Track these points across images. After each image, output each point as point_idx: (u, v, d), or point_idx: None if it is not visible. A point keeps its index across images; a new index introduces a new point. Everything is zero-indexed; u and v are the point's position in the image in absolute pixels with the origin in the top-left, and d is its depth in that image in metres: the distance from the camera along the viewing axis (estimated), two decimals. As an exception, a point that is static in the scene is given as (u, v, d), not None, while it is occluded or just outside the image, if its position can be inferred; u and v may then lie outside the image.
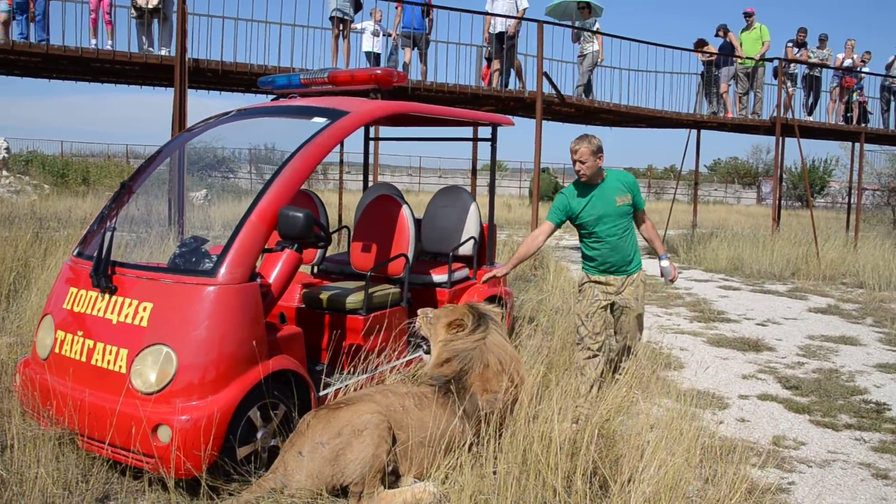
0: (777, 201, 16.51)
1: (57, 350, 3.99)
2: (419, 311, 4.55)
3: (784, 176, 21.73)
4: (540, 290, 9.26)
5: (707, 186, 46.92)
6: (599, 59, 13.63)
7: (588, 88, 13.80)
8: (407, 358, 5.16)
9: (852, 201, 19.89)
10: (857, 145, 17.41)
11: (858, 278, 12.80)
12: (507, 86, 12.97)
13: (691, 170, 20.40)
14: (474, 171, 14.11)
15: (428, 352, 4.53)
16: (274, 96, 5.56)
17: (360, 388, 4.49)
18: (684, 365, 6.90)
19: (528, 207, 27.86)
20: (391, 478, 3.67)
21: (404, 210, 5.36)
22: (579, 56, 13.79)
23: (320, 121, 4.35)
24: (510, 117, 6.23)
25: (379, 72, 4.92)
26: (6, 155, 24.04)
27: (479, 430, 3.84)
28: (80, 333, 3.91)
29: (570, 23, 14.25)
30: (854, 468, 4.64)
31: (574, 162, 5.06)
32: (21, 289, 7.37)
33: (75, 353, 3.89)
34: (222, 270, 3.70)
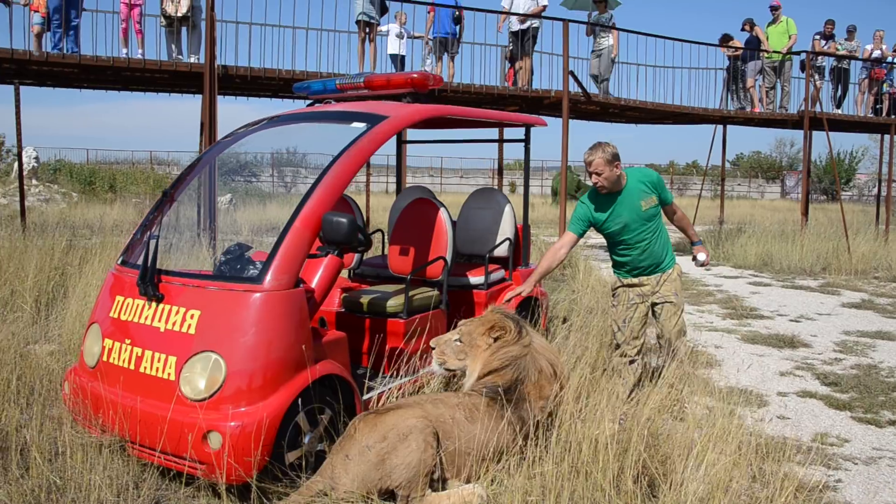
0: (805, 196, 16.35)
1: (105, 358, 4.03)
2: (432, 343, 4.31)
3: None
4: (572, 290, 9.24)
5: (730, 181, 46.52)
6: (613, 55, 13.56)
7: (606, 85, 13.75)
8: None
9: (881, 194, 19.66)
10: (888, 137, 17.22)
11: (891, 272, 12.64)
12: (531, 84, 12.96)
13: (714, 165, 20.24)
14: (500, 172, 14.12)
15: (441, 364, 4.24)
16: (309, 102, 5.59)
17: (401, 389, 4.51)
18: (720, 362, 6.85)
19: (552, 206, 27.79)
20: (438, 484, 3.68)
21: (441, 213, 5.36)
22: (594, 51, 13.74)
23: (360, 126, 4.37)
24: (543, 118, 6.22)
25: (415, 76, 4.93)
26: (35, 164, 24.39)
27: (527, 434, 3.84)
28: (127, 342, 3.95)
29: (588, 18, 14.21)
30: (901, 465, 4.59)
31: (590, 174, 4.86)
32: (59, 297, 7.47)
33: (123, 361, 3.93)
34: (268, 277, 3.73)
